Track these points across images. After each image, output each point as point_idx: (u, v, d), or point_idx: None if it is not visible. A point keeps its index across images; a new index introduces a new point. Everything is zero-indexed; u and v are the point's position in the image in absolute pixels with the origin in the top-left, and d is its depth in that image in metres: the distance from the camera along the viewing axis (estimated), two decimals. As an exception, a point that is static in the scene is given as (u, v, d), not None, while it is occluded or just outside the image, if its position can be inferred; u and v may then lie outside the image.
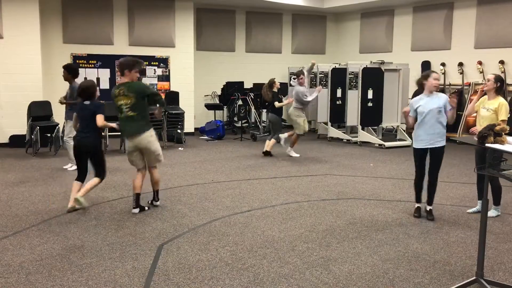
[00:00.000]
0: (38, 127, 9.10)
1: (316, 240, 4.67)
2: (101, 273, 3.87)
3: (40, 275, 3.83)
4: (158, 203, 5.81)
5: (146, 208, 5.64)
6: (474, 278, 3.63)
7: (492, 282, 3.60)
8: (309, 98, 8.93)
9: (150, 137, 5.43)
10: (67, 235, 4.77)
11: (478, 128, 5.13)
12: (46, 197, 6.21)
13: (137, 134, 5.37)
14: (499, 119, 5.07)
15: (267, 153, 9.19)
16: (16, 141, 9.82)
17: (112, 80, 11.39)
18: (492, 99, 5.26)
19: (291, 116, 9.09)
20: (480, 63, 10.96)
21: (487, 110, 5.23)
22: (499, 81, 5.24)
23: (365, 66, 10.79)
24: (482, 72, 10.87)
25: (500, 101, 5.19)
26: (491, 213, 5.41)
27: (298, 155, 9.19)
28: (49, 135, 9.40)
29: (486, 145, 3.45)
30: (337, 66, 11.41)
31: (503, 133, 3.47)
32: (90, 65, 11.19)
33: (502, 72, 10.47)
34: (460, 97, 11.22)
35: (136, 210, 5.53)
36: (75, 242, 4.58)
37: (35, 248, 4.42)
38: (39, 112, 9.45)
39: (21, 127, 9.72)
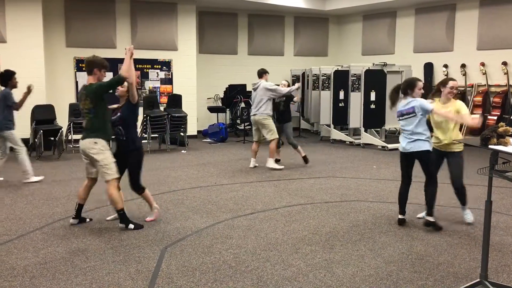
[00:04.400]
0: (41, 131, 9.13)
1: (320, 243, 4.67)
2: (104, 276, 3.88)
3: (44, 279, 3.84)
4: (121, 224, 5.05)
5: (88, 220, 5.28)
6: (478, 280, 3.62)
7: (497, 284, 3.59)
8: (285, 90, 8.25)
9: (93, 144, 4.86)
10: (71, 238, 4.78)
11: (439, 134, 5.05)
12: (50, 200, 6.22)
13: (83, 137, 4.96)
14: (463, 113, 4.90)
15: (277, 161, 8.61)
16: (19, 144, 9.84)
17: (115, 83, 11.39)
18: (448, 103, 5.03)
19: (262, 122, 8.13)
20: (482, 64, 10.94)
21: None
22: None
23: (367, 68, 10.79)
24: (485, 73, 10.86)
25: (457, 102, 5.02)
26: (469, 216, 5.27)
27: (282, 167, 8.32)
28: (52, 138, 9.43)
29: (490, 146, 3.45)
30: (340, 68, 11.41)
31: (506, 135, 3.46)
32: (93, 69, 11.19)
33: (505, 74, 10.46)
34: (463, 98, 11.21)
35: (74, 221, 5.17)
36: (79, 245, 4.59)
37: (39, 251, 4.43)
38: (42, 116, 9.49)
39: (24, 131, 9.72)
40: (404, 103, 5.03)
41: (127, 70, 4.88)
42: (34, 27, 10.04)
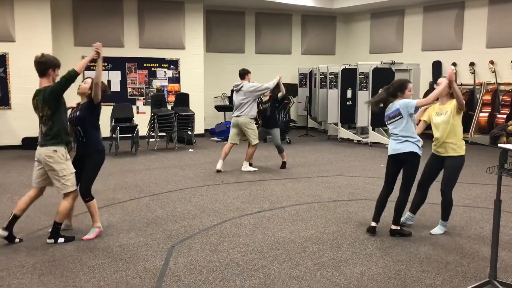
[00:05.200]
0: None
1: (327, 241, 4.65)
2: (112, 274, 3.90)
3: (53, 276, 3.86)
4: (49, 240, 4.55)
5: (17, 240, 4.59)
6: (487, 279, 3.60)
7: (506, 284, 3.56)
8: (266, 85, 7.91)
9: (52, 152, 4.42)
10: (79, 236, 4.80)
11: (437, 135, 4.73)
12: (58, 198, 6.21)
13: (41, 145, 4.50)
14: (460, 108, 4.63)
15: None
16: (28, 143, 9.91)
17: (122, 82, 11.46)
18: (445, 103, 4.75)
19: (246, 126, 7.88)
20: (492, 62, 10.86)
21: (444, 114, 4.70)
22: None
23: (375, 67, 10.75)
24: (494, 71, 10.77)
25: (453, 101, 4.68)
26: (437, 230, 4.90)
27: (256, 169, 8.06)
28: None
29: (499, 145, 3.42)
30: (347, 66, 11.38)
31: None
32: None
33: (514, 72, 10.38)
34: (471, 97, 11.14)
35: (3, 233, 4.49)
36: (87, 243, 4.61)
37: (47, 249, 4.45)
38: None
39: (33, 130, 9.79)
40: (390, 106, 4.80)
41: (82, 66, 4.51)
42: (42, 26, 10.09)
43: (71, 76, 4.43)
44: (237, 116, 7.95)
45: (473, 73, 11.25)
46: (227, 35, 13.27)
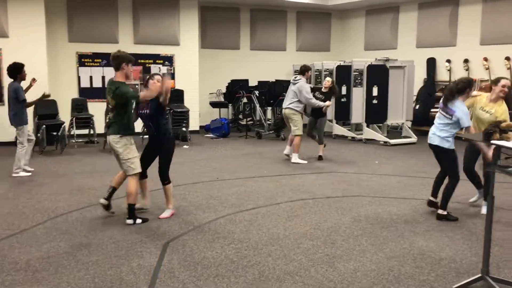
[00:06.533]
0: (44, 126, 9.15)
1: (321, 238, 4.67)
2: (107, 271, 3.90)
3: (47, 273, 3.86)
4: (128, 221, 5.04)
5: (112, 210, 5.35)
6: (479, 275, 3.63)
7: (498, 280, 3.59)
8: (314, 101, 8.30)
9: (118, 138, 4.96)
10: (73, 233, 4.80)
11: (482, 129, 4.92)
12: (53, 195, 6.24)
13: (109, 133, 5.10)
14: (502, 118, 4.88)
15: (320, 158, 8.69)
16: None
17: (117, 78, 11.41)
18: (495, 103, 5.14)
19: (290, 116, 8.35)
20: (486, 59, 10.90)
21: (490, 114, 5.10)
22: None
23: (370, 63, 10.76)
24: (488, 68, 10.82)
25: (504, 107, 5.10)
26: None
27: (306, 162, 8.39)
28: (55, 133, 9.45)
29: (492, 142, 3.44)
30: (342, 63, 11.39)
31: (509, 130, 3.46)
32: (96, 64, 11.22)
33: (508, 69, 10.42)
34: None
35: (104, 201, 5.27)
36: (82, 240, 4.61)
37: (41, 245, 4.45)
38: (45, 111, 9.50)
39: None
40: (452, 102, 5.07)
41: (146, 96, 5.00)
42: (36, 22, 10.02)
43: (134, 98, 4.96)
44: (284, 108, 8.46)
45: (467, 70, 11.29)
46: (222, 31, 13.24)
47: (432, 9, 12.13)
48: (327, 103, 8.46)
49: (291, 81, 8.58)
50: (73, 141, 9.97)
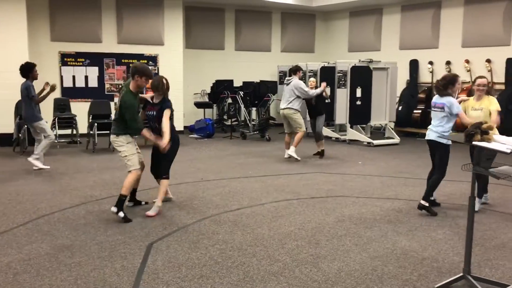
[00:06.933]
0: (25, 126, 9.01)
1: (306, 238, 4.69)
2: (90, 272, 3.86)
3: (28, 275, 3.80)
4: (113, 208, 5.17)
5: (143, 203, 5.79)
6: (461, 274, 3.68)
7: (479, 279, 3.64)
8: (312, 92, 8.67)
9: (115, 138, 5.35)
10: (55, 234, 4.74)
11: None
12: (34, 196, 6.16)
13: (111, 133, 5.45)
14: (493, 109, 5.34)
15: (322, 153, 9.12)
16: (3, 139, 9.71)
17: (100, 78, 11.32)
18: (481, 99, 5.53)
19: (291, 116, 8.58)
20: (467, 61, 11.07)
21: (480, 110, 5.47)
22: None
23: (353, 65, 10.84)
24: (469, 70, 10.98)
25: (490, 97, 5.52)
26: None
27: (299, 159, 8.65)
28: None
29: (473, 143, 3.49)
30: (326, 64, 11.44)
31: (490, 131, 3.51)
32: (79, 63, 11.11)
33: (488, 71, 10.59)
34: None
35: (129, 204, 5.66)
36: (64, 241, 4.55)
37: (22, 247, 4.38)
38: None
39: (8, 126, 9.62)
40: (438, 97, 5.42)
41: (147, 137, 5.57)
42: (17, 21, 9.87)
43: (135, 123, 5.29)
44: (283, 108, 8.66)
45: (449, 71, 11.42)
46: (207, 31, 13.21)
47: (415, 11, 12.27)
48: (323, 84, 8.93)
49: (284, 82, 8.87)
50: (56, 141, 9.84)
